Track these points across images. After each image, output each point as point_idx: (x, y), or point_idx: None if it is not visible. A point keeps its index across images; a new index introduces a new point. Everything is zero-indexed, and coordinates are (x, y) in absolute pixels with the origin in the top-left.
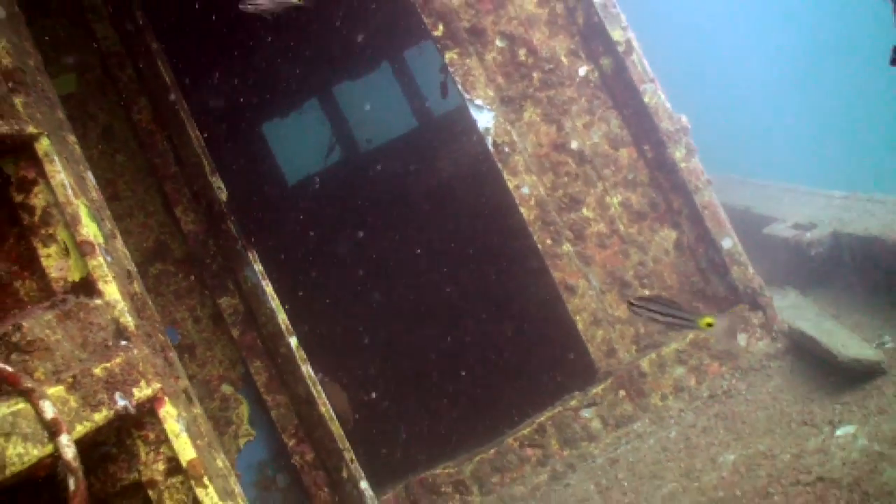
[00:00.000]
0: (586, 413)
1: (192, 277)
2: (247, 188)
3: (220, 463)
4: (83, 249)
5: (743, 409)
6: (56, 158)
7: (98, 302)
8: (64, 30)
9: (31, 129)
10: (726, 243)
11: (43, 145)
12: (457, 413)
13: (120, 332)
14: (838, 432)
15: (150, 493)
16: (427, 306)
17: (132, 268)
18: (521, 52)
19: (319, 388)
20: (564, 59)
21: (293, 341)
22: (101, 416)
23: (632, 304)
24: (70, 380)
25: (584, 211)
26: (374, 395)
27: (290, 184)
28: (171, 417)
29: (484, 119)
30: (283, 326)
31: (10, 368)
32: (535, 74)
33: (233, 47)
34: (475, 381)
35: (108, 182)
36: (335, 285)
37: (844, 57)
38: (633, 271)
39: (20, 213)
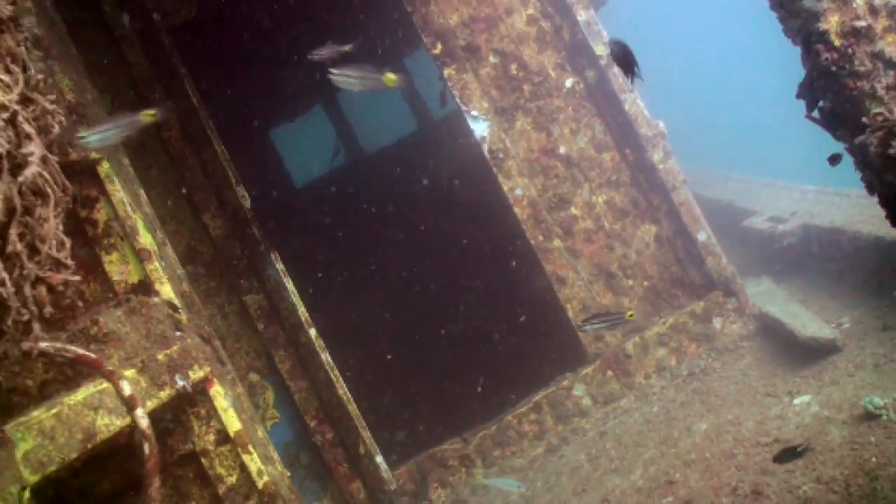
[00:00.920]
0: (578, 391)
1: (220, 277)
2: (257, 192)
3: (260, 433)
4: (141, 256)
5: (717, 385)
6: (115, 179)
7: (156, 300)
8: (98, 56)
9: (93, 155)
10: (701, 236)
11: (104, 168)
12: (460, 394)
13: (175, 324)
14: (796, 401)
15: (203, 460)
16: (430, 298)
17: (181, 270)
18: (513, 67)
19: (337, 373)
20: (552, 73)
21: (313, 332)
22: (165, 394)
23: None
24: (140, 364)
25: (573, 209)
26: (385, 379)
27: (298, 186)
28: (219, 395)
29: (480, 128)
30: (304, 319)
31: (93, 355)
32: (525, 87)
33: (246, 63)
34: (476, 364)
35: None
36: (347, 280)
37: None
38: (618, 263)
39: (85, 226)
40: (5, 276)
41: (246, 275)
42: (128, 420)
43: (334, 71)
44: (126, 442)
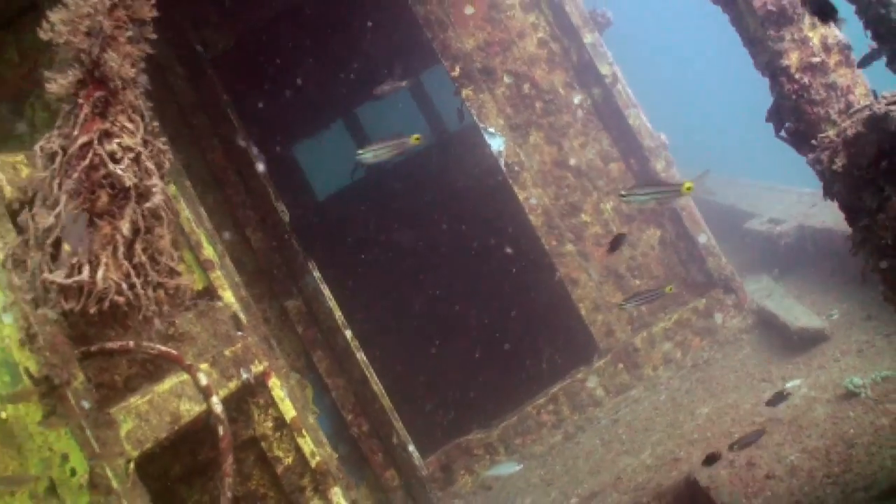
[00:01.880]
0: (591, 383)
1: (262, 285)
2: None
3: (311, 420)
4: (205, 266)
5: (718, 374)
6: (181, 199)
7: (220, 304)
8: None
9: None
10: (702, 238)
11: (171, 190)
12: (483, 387)
13: (237, 324)
14: (787, 385)
15: (263, 444)
16: (453, 300)
17: (238, 278)
18: (526, 87)
19: (371, 370)
20: (562, 91)
21: (348, 334)
22: (233, 385)
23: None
24: (211, 359)
25: (583, 216)
26: (414, 374)
27: (320, 199)
28: (276, 387)
29: (496, 143)
30: (340, 322)
31: (174, 351)
32: (537, 104)
33: (277, 85)
34: (498, 361)
35: None
36: (377, 284)
37: None
38: (626, 265)
39: None
40: (136, 280)
41: (286, 282)
42: (204, 406)
43: (360, 152)
44: (200, 427)
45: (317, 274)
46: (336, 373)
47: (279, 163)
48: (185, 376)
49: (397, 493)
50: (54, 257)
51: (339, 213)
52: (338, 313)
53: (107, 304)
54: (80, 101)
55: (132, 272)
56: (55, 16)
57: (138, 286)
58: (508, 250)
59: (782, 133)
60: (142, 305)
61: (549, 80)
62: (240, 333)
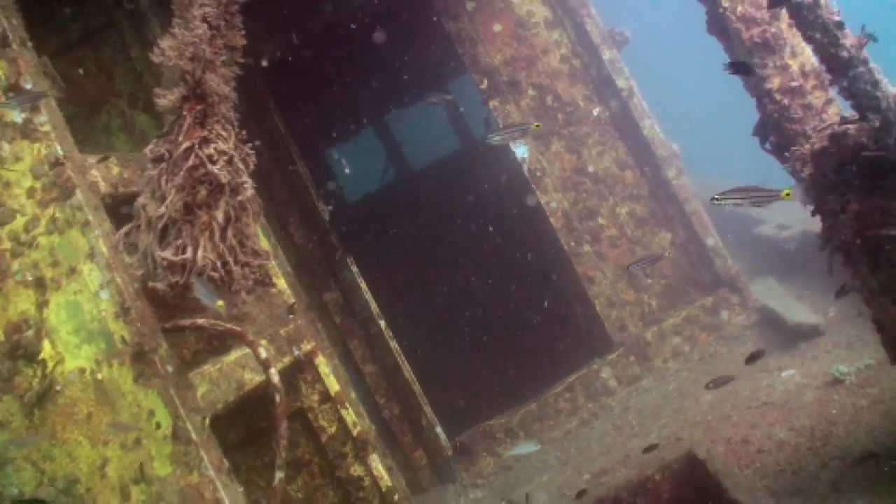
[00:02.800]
0: (605, 374)
1: (303, 278)
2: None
3: (353, 395)
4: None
5: (722, 366)
6: None
7: (274, 290)
8: None
9: None
10: (710, 241)
11: None
12: (505, 377)
13: (288, 309)
14: (783, 374)
15: (310, 415)
16: (478, 297)
17: (288, 268)
18: (548, 99)
19: (403, 358)
20: (581, 103)
21: (382, 324)
22: (287, 360)
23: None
24: (268, 337)
25: (599, 219)
26: (443, 363)
27: (351, 202)
28: (322, 364)
29: (520, 151)
30: (375, 312)
31: (238, 328)
32: (559, 115)
33: (317, 93)
34: (519, 353)
35: None
36: (409, 280)
37: None
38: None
39: None
40: (229, 259)
41: (324, 276)
42: (263, 377)
43: (490, 135)
44: (259, 396)
45: (354, 268)
46: (370, 360)
47: (317, 165)
48: (248, 350)
49: (425, 472)
50: (162, 239)
51: (371, 212)
52: (373, 305)
53: (204, 278)
54: (184, 113)
55: (225, 252)
56: (165, 43)
57: (231, 264)
58: (529, 250)
59: (767, 145)
60: (233, 280)
61: (570, 92)
62: (291, 316)
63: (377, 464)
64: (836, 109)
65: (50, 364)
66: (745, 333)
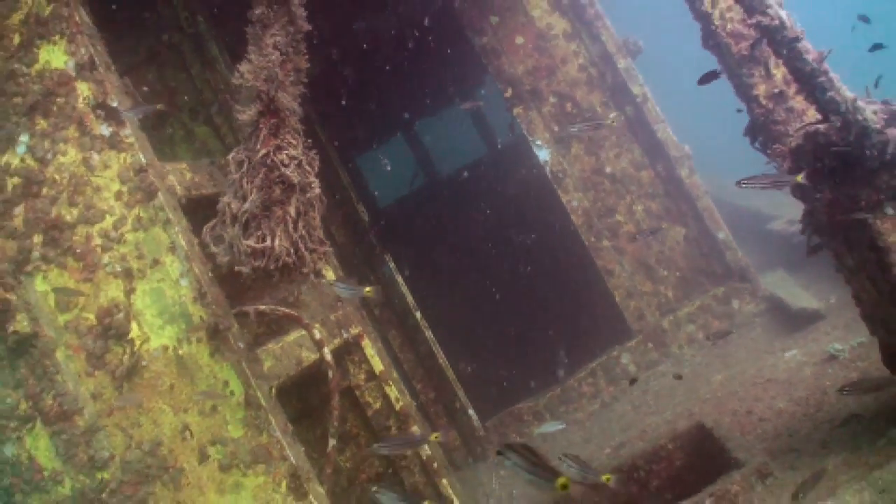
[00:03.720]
0: (624, 360)
1: (344, 273)
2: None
3: (395, 374)
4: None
5: (733, 350)
6: None
7: (325, 280)
8: None
9: None
10: (721, 235)
11: None
12: (533, 363)
13: (336, 297)
14: (786, 354)
15: (357, 392)
16: (506, 289)
17: (334, 262)
18: (568, 105)
19: (438, 346)
20: (599, 109)
21: (418, 315)
22: (337, 341)
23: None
24: (320, 321)
25: (617, 216)
26: (475, 351)
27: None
28: (368, 346)
29: (543, 154)
30: (411, 305)
31: (295, 313)
32: (578, 120)
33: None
34: (545, 341)
35: None
36: (441, 276)
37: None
38: (655, 258)
39: None
40: (301, 245)
41: (364, 271)
42: (317, 356)
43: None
44: (314, 372)
45: (392, 264)
46: (407, 349)
47: (353, 171)
48: (304, 333)
49: (459, 452)
50: (245, 231)
51: (406, 212)
52: (409, 297)
53: (280, 262)
54: (261, 125)
55: (297, 241)
56: (244, 67)
57: (301, 250)
58: (553, 246)
59: (756, 144)
60: (304, 264)
61: (589, 99)
62: (339, 303)
63: None
64: (814, 112)
65: (137, 343)
66: (755, 321)
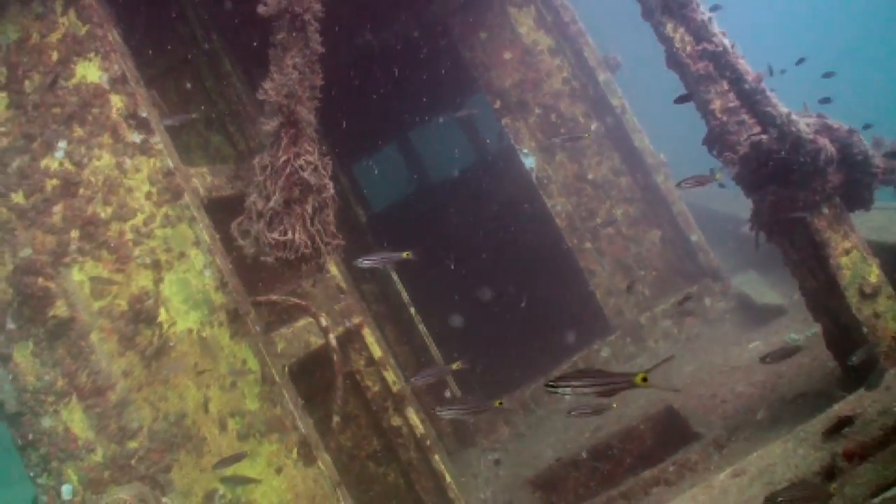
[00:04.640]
0: (605, 353)
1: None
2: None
3: (392, 361)
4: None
5: (705, 344)
6: None
7: (329, 275)
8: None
9: None
10: (694, 238)
11: None
12: (518, 357)
13: (340, 290)
14: (750, 345)
15: (357, 376)
16: (492, 288)
17: (337, 258)
18: (553, 116)
19: (430, 339)
20: (581, 119)
21: (412, 310)
22: (340, 329)
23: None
24: (325, 311)
25: (598, 220)
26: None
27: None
28: (368, 334)
29: (529, 161)
30: (406, 300)
31: (304, 303)
32: (562, 130)
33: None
34: (531, 336)
35: None
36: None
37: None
38: (633, 259)
39: None
40: (318, 238)
41: (362, 270)
42: (323, 341)
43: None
44: (320, 356)
45: None
46: (402, 342)
47: (350, 176)
48: (311, 320)
49: (450, 439)
50: (269, 226)
51: (400, 215)
52: (404, 293)
53: (300, 253)
54: (282, 135)
55: (314, 235)
56: (267, 85)
57: (318, 242)
58: (538, 247)
59: (713, 152)
60: (320, 255)
61: (572, 110)
62: (342, 296)
63: (413, 415)
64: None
65: (165, 326)
66: (725, 317)
